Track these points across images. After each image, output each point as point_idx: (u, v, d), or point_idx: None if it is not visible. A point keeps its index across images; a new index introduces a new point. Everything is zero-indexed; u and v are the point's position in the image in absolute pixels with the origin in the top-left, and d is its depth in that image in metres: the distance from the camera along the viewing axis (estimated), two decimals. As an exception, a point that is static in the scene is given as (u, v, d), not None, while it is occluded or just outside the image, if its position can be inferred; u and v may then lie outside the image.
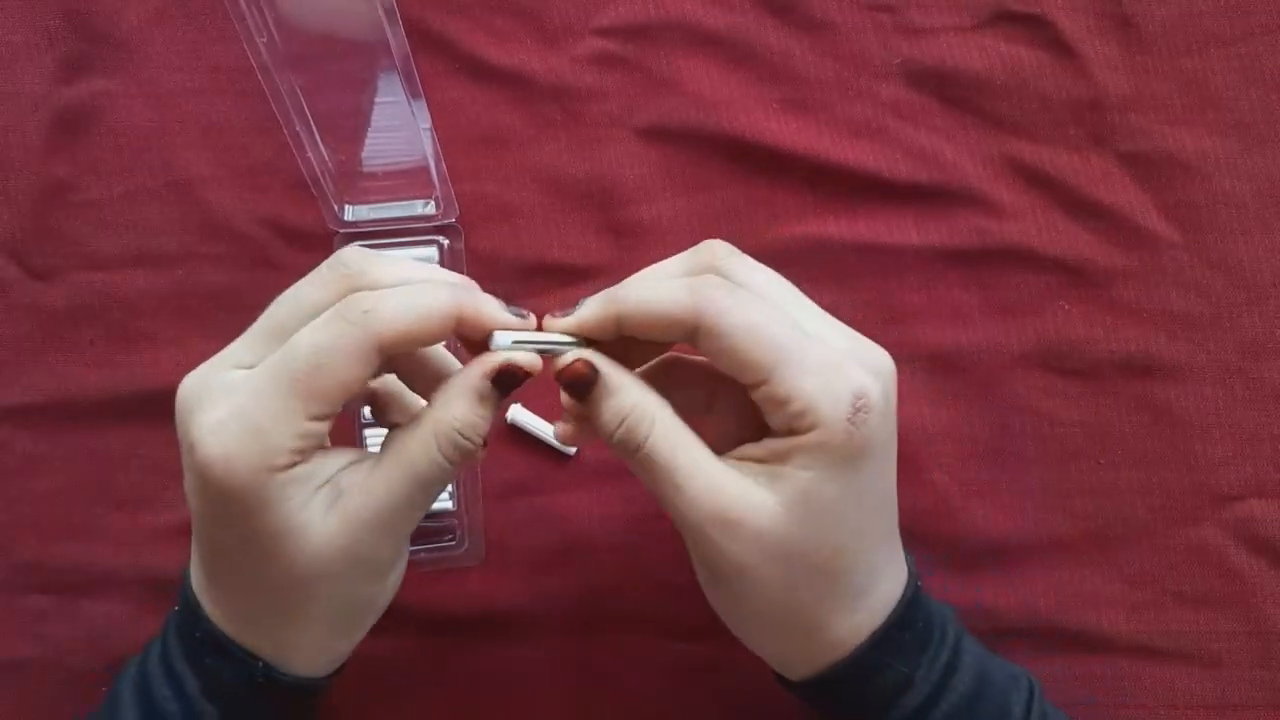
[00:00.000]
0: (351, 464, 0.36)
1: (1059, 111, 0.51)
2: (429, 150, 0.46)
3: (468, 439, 0.36)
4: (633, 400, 0.36)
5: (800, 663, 0.38)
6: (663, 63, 0.52)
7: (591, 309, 0.37)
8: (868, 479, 0.35)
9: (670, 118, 0.51)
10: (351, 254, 0.36)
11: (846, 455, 0.34)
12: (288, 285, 0.51)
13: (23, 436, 0.51)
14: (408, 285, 0.35)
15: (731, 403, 0.38)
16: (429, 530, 0.50)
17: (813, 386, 0.34)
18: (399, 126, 0.45)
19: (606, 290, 0.37)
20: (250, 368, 0.35)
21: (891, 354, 0.37)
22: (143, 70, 0.52)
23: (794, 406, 0.34)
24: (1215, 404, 0.50)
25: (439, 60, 0.52)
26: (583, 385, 0.36)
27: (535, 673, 0.50)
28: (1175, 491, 0.50)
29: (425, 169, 0.47)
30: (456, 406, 0.36)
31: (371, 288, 0.35)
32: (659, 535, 0.50)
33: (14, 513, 0.50)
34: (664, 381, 0.38)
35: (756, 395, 0.35)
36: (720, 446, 0.37)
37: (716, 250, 0.37)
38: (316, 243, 0.51)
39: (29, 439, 0.51)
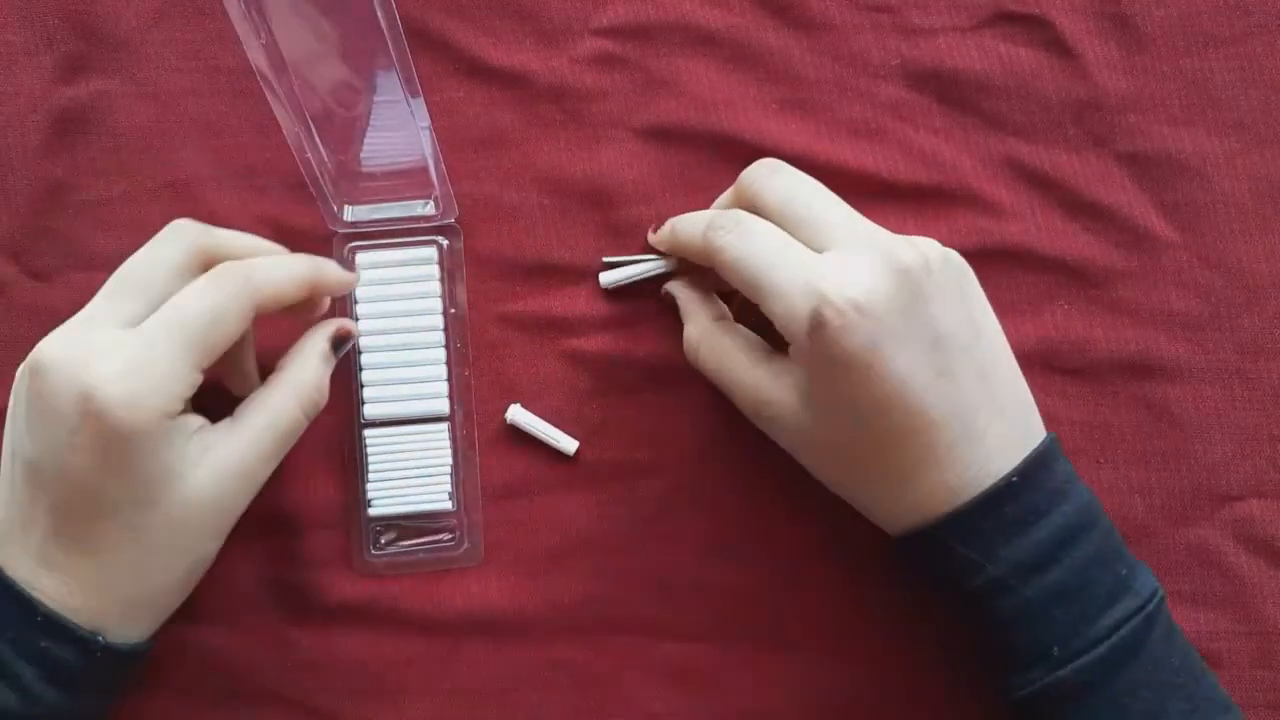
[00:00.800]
0: (208, 424, 0.42)
1: (1058, 112, 0.51)
2: (428, 150, 0.46)
3: (320, 394, 0.44)
4: (694, 321, 0.47)
5: (888, 522, 0.43)
6: (662, 63, 0.52)
7: (661, 232, 0.48)
8: (847, 386, 0.39)
9: (669, 118, 0.51)
10: (187, 222, 0.43)
11: (822, 364, 0.39)
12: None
13: (22, 437, 0.51)
14: (279, 256, 0.44)
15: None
16: (428, 530, 0.50)
17: (779, 309, 0.40)
18: (398, 126, 0.45)
19: (672, 220, 0.48)
20: (129, 324, 0.39)
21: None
22: (142, 70, 0.52)
23: (777, 325, 0.40)
24: (1215, 404, 0.50)
25: (438, 60, 0.52)
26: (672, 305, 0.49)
27: (534, 673, 0.50)
28: (1175, 491, 0.50)
29: (424, 169, 0.47)
30: (310, 367, 0.44)
31: (218, 250, 0.42)
32: (659, 536, 0.50)
33: (13, 513, 0.50)
34: None
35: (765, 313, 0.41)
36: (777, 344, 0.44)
37: (750, 173, 0.44)
38: (316, 243, 0.51)
39: (28, 440, 0.51)
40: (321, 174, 0.47)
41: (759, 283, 0.40)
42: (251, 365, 0.47)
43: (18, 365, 0.50)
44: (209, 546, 0.43)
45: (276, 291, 0.42)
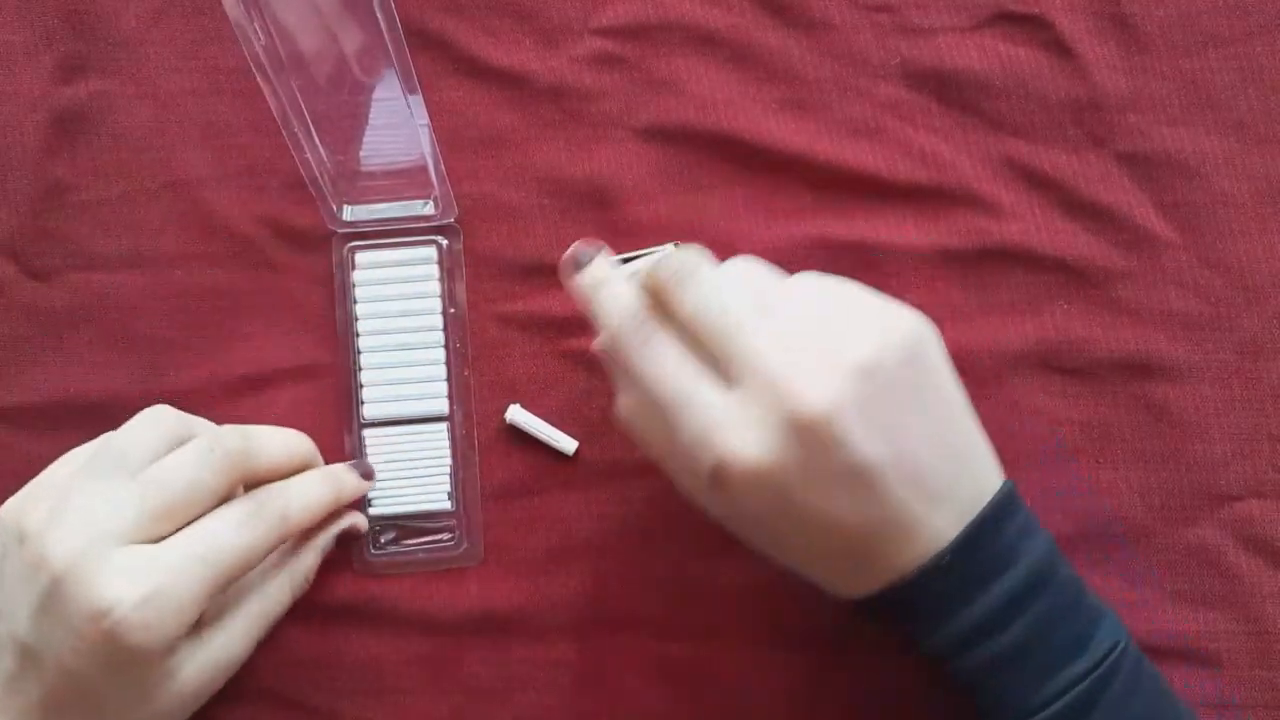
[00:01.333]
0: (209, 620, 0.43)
1: (1058, 112, 0.51)
2: (428, 149, 0.46)
3: (309, 581, 0.47)
4: None
5: (842, 590, 0.41)
6: (661, 63, 0.52)
7: (582, 284, 0.43)
8: (768, 524, 0.39)
9: (669, 118, 0.51)
10: (230, 436, 0.43)
11: (727, 511, 0.39)
12: (287, 285, 0.51)
13: (21, 437, 0.51)
14: (310, 482, 0.45)
15: None
16: (428, 530, 0.50)
17: (681, 453, 0.38)
18: (397, 126, 0.45)
19: (594, 275, 0.42)
20: (154, 541, 0.40)
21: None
22: (141, 71, 0.52)
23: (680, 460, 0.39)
24: (1214, 404, 0.50)
25: (437, 60, 0.52)
26: None
27: (534, 673, 0.50)
28: (1174, 491, 0.50)
29: (424, 169, 0.47)
30: (310, 559, 0.46)
31: (262, 472, 0.43)
32: (659, 536, 0.50)
33: (13, 513, 0.50)
34: None
35: None
36: None
37: (661, 274, 0.40)
38: (315, 243, 0.51)
39: (28, 439, 0.51)
40: (321, 173, 0.47)
41: (664, 413, 0.38)
42: None
43: (16, 365, 0.50)
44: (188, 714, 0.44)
45: (310, 521, 0.45)
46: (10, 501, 0.42)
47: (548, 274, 0.51)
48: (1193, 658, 0.49)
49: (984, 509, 0.38)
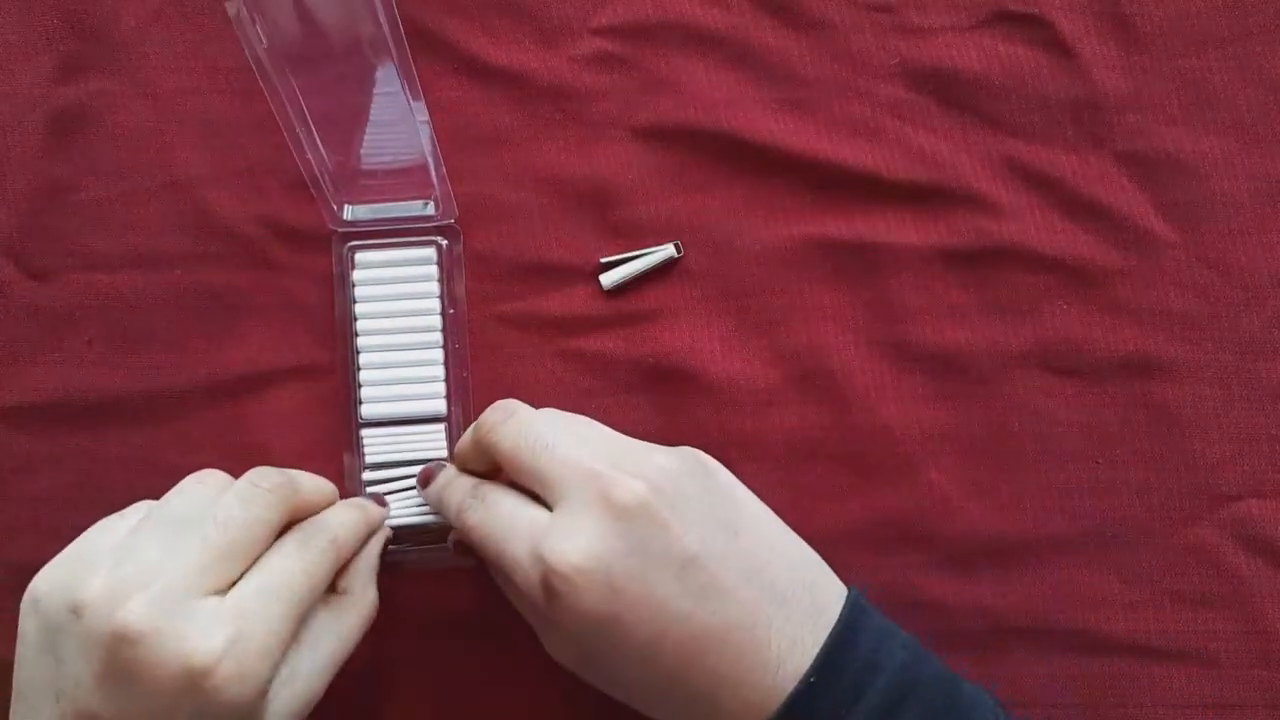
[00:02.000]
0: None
1: (1057, 111, 0.51)
2: (428, 150, 0.46)
3: (375, 608, 0.44)
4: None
5: None
6: (661, 63, 0.52)
7: (431, 496, 0.47)
8: (613, 632, 0.38)
9: (668, 117, 0.51)
10: (268, 473, 0.42)
11: (572, 629, 0.38)
12: (286, 285, 0.51)
13: (20, 437, 0.51)
14: (343, 509, 0.44)
15: None
16: (421, 530, 0.50)
17: (519, 582, 0.39)
18: (398, 125, 0.45)
19: (443, 481, 0.46)
20: (218, 590, 0.38)
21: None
22: (140, 70, 0.52)
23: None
24: (1214, 404, 0.50)
25: (437, 60, 0.52)
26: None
27: (532, 674, 0.50)
28: (1174, 491, 0.50)
29: (424, 169, 0.47)
30: (373, 589, 0.44)
31: (303, 503, 0.42)
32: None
33: (11, 513, 0.50)
34: None
35: None
36: None
37: (490, 419, 0.44)
38: (315, 243, 0.51)
39: (27, 439, 0.51)
40: (321, 173, 0.47)
41: (500, 560, 0.40)
42: None
43: (15, 365, 0.50)
44: None
45: (353, 548, 0.44)
46: (46, 576, 0.39)
47: (547, 274, 0.51)
48: (1192, 658, 0.49)
49: (839, 621, 0.38)
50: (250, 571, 0.39)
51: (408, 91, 0.43)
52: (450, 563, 0.50)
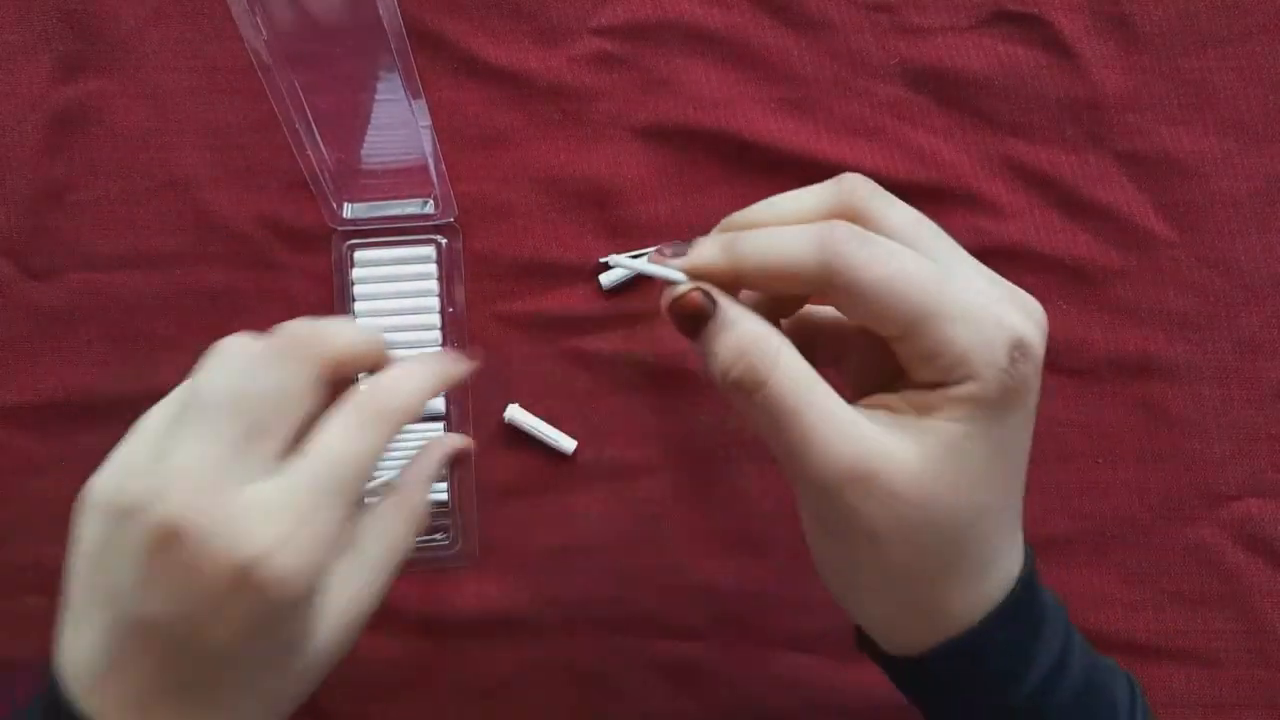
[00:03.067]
0: (342, 563, 0.37)
1: (1056, 111, 0.51)
2: (428, 149, 0.46)
3: (427, 518, 0.40)
4: (755, 333, 0.33)
5: (909, 637, 0.36)
6: (660, 62, 0.52)
7: (707, 254, 0.34)
8: (1017, 433, 0.33)
9: (668, 117, 0.52)
10: (294, 325, 0.36)
11: (1002, 407, 0.32)
12: (286, 284, 0.51)
13: (21, 437, 0.51)
14: (402, 369, 0.38)
15: (864, 354, 0.36)
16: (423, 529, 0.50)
17: (965, 336, 0.31)
18: (398, 125, 0.45)
19: (725, 235, 0.34)
20: (265, 470, 0.34)
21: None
22: (140, 70, 0.52)
23: (945, 359, 0.32)
24: (1213, 403, 0.50)
25: (437, 59, 0.52)
26: (699, 317, 0.34)
27: (532, 673, 0.50)
28: (1173, 491, 0.50)
29: (424, 168, 0.47)
30: (425, 492, 0.40)
31: (340, 354, 0.36)
32: (657, 536, 0.50)
33: (11, 513, 0.50)
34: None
35: (900, 349, 0.33)
36: (849, 399, 0.34)
37: (857, 189, 0.34)
38: (315, 242, 0.51)
39: (27, 439, 0.51)
40: (321, 171, 0.47)
41: (926, 305, 0.31)
42: None
43: (15, 365, 0.50)
44: (313, 688, 0.37)
45: (413, 415, 0.37)
46: (92, 484, 0.36)
47: (546, 273, 0.51)
48: (1191, 657, 0.49)
49: (1029, 554, 0.36)
50: (296, 454, 0.34)
51: (408, 91, 0.43)
52: (445, 563, 0.50)
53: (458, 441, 0.42)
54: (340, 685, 0.50)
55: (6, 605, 0.50)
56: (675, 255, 0.35)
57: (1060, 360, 0.50)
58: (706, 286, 0.34)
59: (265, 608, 0.32)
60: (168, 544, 0.32)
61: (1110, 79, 0.51)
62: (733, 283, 0.34)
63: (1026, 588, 0.35)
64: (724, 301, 0.34)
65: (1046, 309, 0.50)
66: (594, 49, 0.52)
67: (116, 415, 0.50)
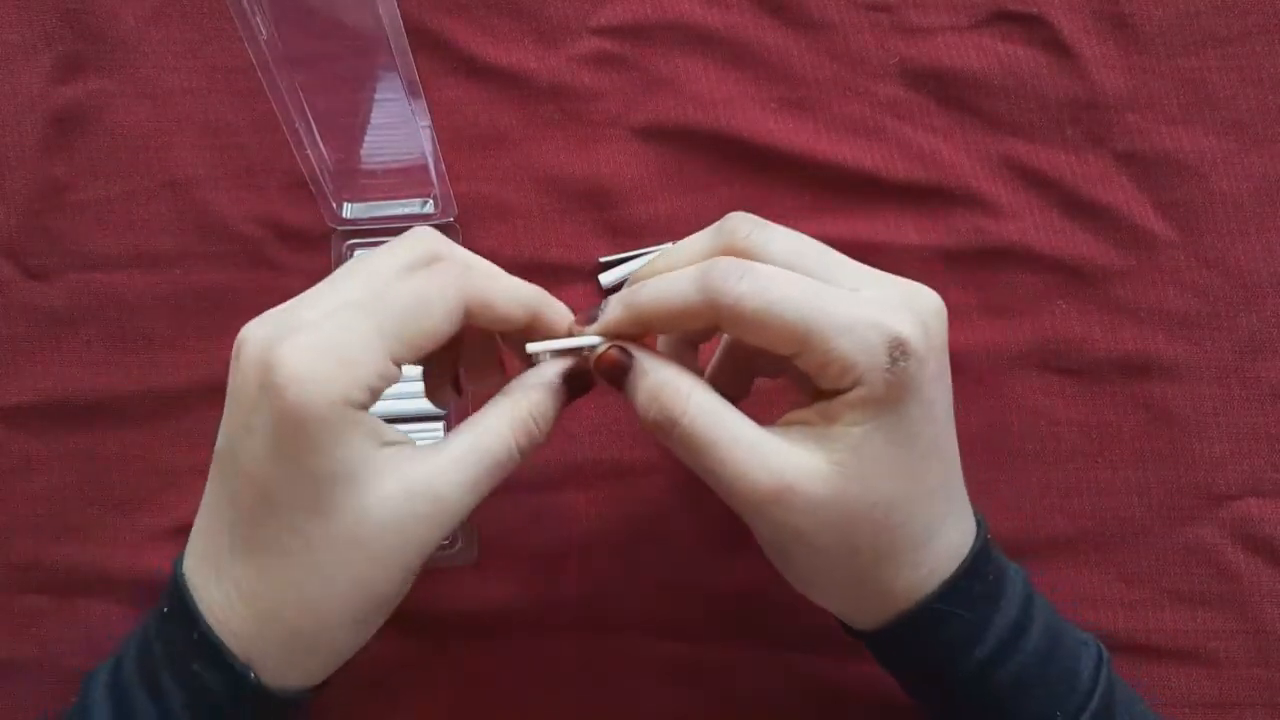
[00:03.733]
0: (410, 442, 0.36)
1: (1056, 111, 0.51)
2: (428, 149, 0.46)
3: (539, 427, 0.37)
4: (663, 378, 0.36)
5: (865, 616, 0.38)
6: (660, 62, 0.52)
7: (612, 314, 0.38)
8: (914, 423, 0.35)
9: (668, 117, 0.51)
10: (427, 231, 0.38)
11: (893, 403, 0.34)
12: (286, 284, 0.51)
13: (19, 436, 0.51)
14: (492, 268, 0.39)
15: (795, 369, 0.38)
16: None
17: (847, 344, 0.34)
18: (398, 125, 0.45)
19: (626, 291, 0.38)
20: (340, 308, 0.35)
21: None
22: (140, 70, 0.52)
23: (834, 369, 0.34)
24: (1212, 403, 0.50)
25: (436, 59, 0.52)
26: (618, 371, 0.37)
27: (531, 673, 0.50)
28: (1173, 491, 0.50)
29: (424, 168, 0.47)
30: (534, 394, 0.38)
31: (485, 300, 0.37)
32: (657, 535, 0.50)
33: (10, 513, 0.50)
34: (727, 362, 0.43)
35: (799, 365, 0.35)
36: (801, 404, 0.37)
37: (738, 227, 0.37)
38: (314, 242, 0.51)
39: (26, 439, 0.51)
40: (321, 171, 0.47)
41: (807, 324, 0.34)
42: (458, 386, 0.42)
43: (15, 365, 0.50)
44: (386, 583, 0.36)
45: (493, 300, 0.37)
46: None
47: (546, 273, 0.51)
48: (1191, 657, 0.49)
49: (981, 527, 0.38)
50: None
51: (408, 91, 0.43)
52: (445, 562, 0.50)
53: (595, 343, 0.39)
54: (338, 685, 0.50)
55: (6, 605, 0.50)
56: (590, 321, 0.38)
57: (1060, 360, 0.50)
58: (622, 344, 0.38)
59: (282, 417, 0.32)
60: (233, 357, 0.34)
61: (1110, 79, 0.51)
62: (643, 332, 0.38)
63: (976, 560, 0.37)
64: (638, 354, 0.37)
65: (1047, 309, 0.51)
66: (594, 49, 0.52)
67: (116, 415, 0.51)
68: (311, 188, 0.47)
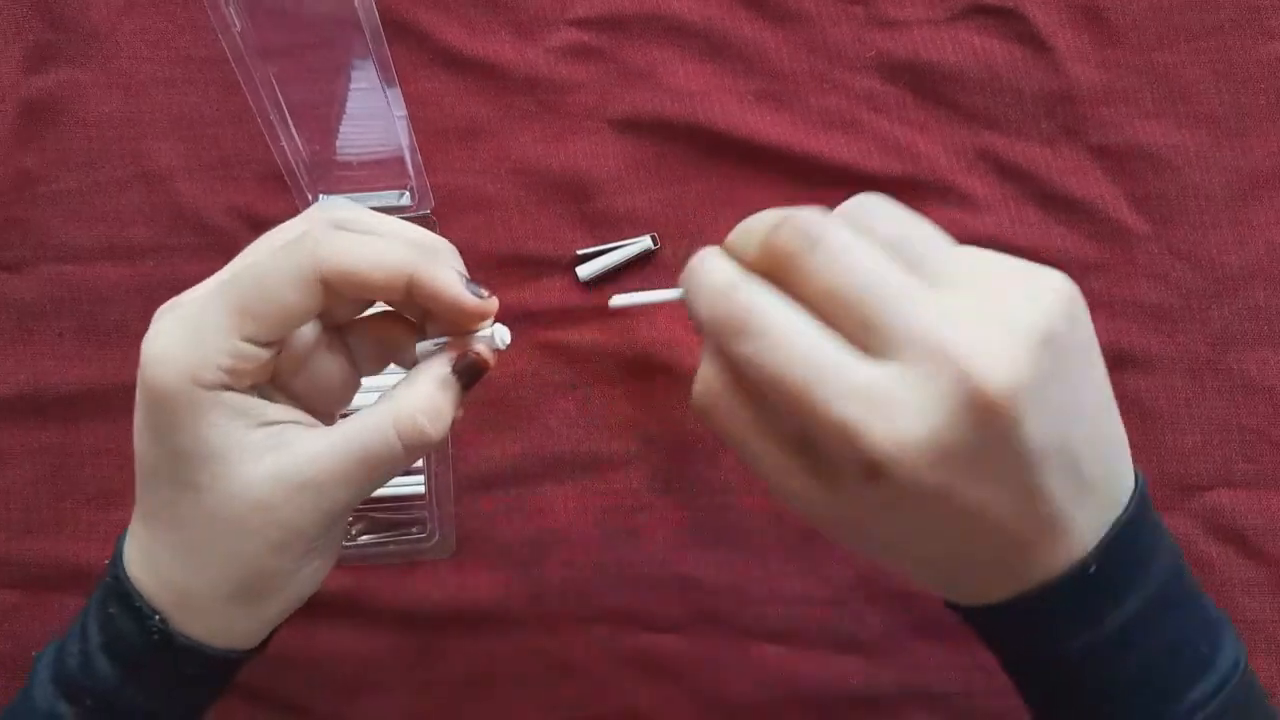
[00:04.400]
0: (304, 427, 0.36)
1: (1031, 104, 0.51)
2: (404, 140, 0.46)
3: (431, 423, 0.36)
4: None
5: (941, 591, 0.36)
6: (637, 54, 0.52)
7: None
8: (928, 511, 0.31)
9: (644, 109, 0.51)
10: (333, 199, 0.38)
11: (880, 506, 0.32)
12: (260, 277, 0.51)
13: (-9, 430, 0.50)
14: (370, 234, 0.36)
15: None
16: (399, 522, 0.50)
17: (826, 442, 0.31)
18: (374, 116, 0.45)
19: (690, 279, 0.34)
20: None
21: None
22: (112, 60, 0.51)
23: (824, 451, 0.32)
24: (1185, 395, 0.50)
25: (413, 51, 0.52)
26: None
27: (511, 665, 0.50)
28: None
29: (400, 159, 0.47)
30: (419, 390, 0.36)
31: (337, 267, 0.34)
32: (636, 528, 0.50)
33: (-18, 507, 0.50)
34: None
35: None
36: None
37: (781, 244, 0.33)
38: (289, 234, 0.51)
39: (-3, 432, 0.50)
40: (296, 163, 0.46)
41: (798, 405, 0.30)
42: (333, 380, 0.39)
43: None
44: (265, 560, 0.36)
45: (350, 267, 0.34)
46: None
47: (523, 266, 0.51)
48: (1164, 646, 0.49)
49: (1125, 512, 0.34)
50: None
51: (384, 82, 0.43)
52: (421, 555, 0.50)
53: (479, 350, 0.37)
54: (317, 679, 0.50)
55: (-22, 600, 0.50)
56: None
57: (1035, 352, 0.51)
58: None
59: (144, 395, 0.34)
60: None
61: (1084, 73, 0.51)
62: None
63: (1082, 579, 0.33)
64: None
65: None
66: (570, 40, 0.52)
67: (88, 409, 0.50)
68: (286, 179, 0.47)
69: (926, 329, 0.30)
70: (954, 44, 0.51)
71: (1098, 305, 0.51)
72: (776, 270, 0.33)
